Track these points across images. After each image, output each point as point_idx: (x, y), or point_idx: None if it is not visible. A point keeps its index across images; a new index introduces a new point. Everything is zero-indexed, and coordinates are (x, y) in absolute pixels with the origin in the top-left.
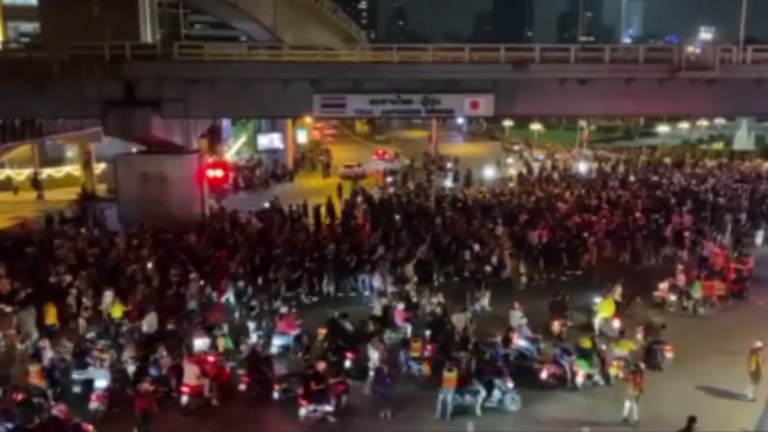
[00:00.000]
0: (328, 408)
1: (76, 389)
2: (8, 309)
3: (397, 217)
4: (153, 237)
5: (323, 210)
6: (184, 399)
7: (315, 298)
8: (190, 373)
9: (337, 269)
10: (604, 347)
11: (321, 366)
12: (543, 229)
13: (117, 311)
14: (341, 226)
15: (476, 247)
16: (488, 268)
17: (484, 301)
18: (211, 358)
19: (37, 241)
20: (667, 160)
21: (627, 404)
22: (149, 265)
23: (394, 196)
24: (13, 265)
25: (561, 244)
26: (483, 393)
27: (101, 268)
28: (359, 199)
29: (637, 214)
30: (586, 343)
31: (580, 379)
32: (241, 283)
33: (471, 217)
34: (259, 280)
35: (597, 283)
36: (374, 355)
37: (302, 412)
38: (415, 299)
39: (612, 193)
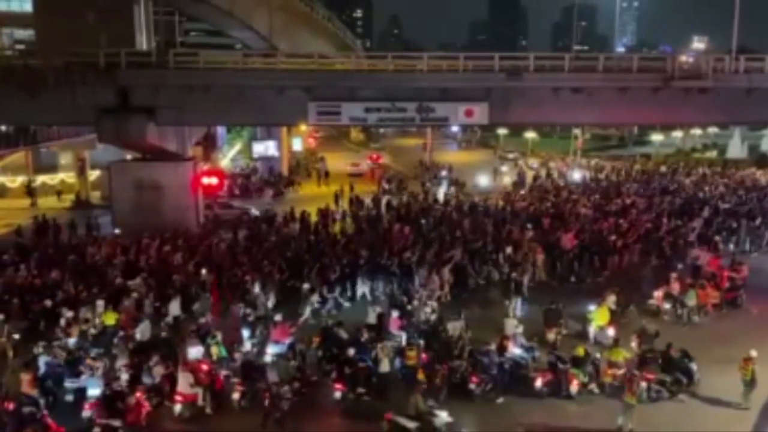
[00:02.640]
0: (361, 390)
1: (69, 398)
2: (70, 313)
3: (423, 221)
4: (186, 242)
5: (348, 215)
6: (178, 407)
7: (348, 303)
8: (184, 381)
9: (372, 272)
10: (598, 355)
11: (351, 352)
12: (574, 232)
13: (110, 319)
14: (371, 229)
15: (509, 249)
16: (517, 274)
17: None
18: (204, 367)
19: (69, 249)
20: (663, 169)
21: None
22: (203, 271)
23: (412, 200)
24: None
25: (593, 247)
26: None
27: (157, 273)
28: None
29: (664, 219)
30: (580, 352)
31: (574, 388)
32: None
33: (500, 222)
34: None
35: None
36: (385, 360)
37: (337, 395)
38: (409, 307)
39: (627, 199)
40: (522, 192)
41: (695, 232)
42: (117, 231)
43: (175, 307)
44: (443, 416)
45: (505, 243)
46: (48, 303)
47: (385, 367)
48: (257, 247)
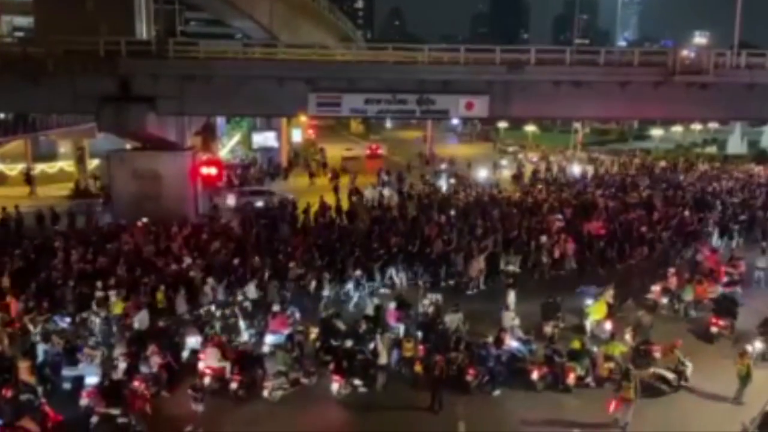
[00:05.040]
0: (358, 382)
1: (67, 386)
2: (100, 293)
3: (452, 212)
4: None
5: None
6: (207, 380)
7: (386, 290)
8: (212, 355)
9: (410, 260)
10: (595, 349)
11: (348, 344)
12: (602, 222)
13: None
14: (401, 219)
15: (543, 238)
16: (545, 260)
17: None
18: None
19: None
20: (663, 164)
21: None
22: (256, 258)
23: (433, 192)
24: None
25: (622, 236)
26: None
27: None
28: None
29: (686, 212)
30: (576, 345)
31: (571, 381)
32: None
33: (526, 212)
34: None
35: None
36: (383, 352)
37: (334, 387)
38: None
39: (643, 193)
40: (539, 186)
41: (714, 223)
42: (144, 220)
43: (251, 291)
44: (690, 367)
45: (539, 232)
46: (99, 285)
47: (383, 359)
48: (296, 235)
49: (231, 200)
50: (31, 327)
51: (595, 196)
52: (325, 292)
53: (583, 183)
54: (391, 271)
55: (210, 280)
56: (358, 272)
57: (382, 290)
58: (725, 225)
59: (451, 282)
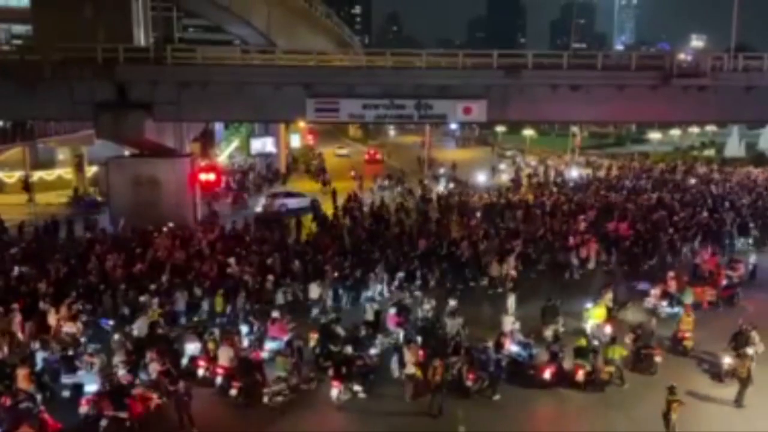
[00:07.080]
0: (358, 387)
1: (66, 393)
2: (143, 298)
3: (478, 214)
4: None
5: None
6: (219, 379)
7: (418, 292)
8: (225, 355)
9: (438, 262)
10: (596, 342)
11: (349, 349)
12: (629, 222)
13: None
14: (427, 222)
15: (570, 239)
16: (575, 261)
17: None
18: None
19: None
20: (662, 166)
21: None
22: (297, 262)
23: (450, 195)
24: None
25: (647, 235)
26: None
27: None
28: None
29: (704, 213)
30: (582, 342)
31: (580, 377)
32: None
33: (549, 215)
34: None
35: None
36: (411, 360)
37: (333, 392)
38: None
39: (653, 195)
40: (554, 189)
41: (731, 224)
42: (170, 224)
43: (314, 291)
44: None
45: (565, 233)
46: (153, 288)
47: (410, 369)
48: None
49: (261, 204)
50: (73, 330)
51: (611, 198)
52: (369, 293)
53: (595, 186)
54: (420, 273)
55: (270, 278)
56: (400, 274)
57: (418, 293)
58: (744, 225)
59: (483, 282)
